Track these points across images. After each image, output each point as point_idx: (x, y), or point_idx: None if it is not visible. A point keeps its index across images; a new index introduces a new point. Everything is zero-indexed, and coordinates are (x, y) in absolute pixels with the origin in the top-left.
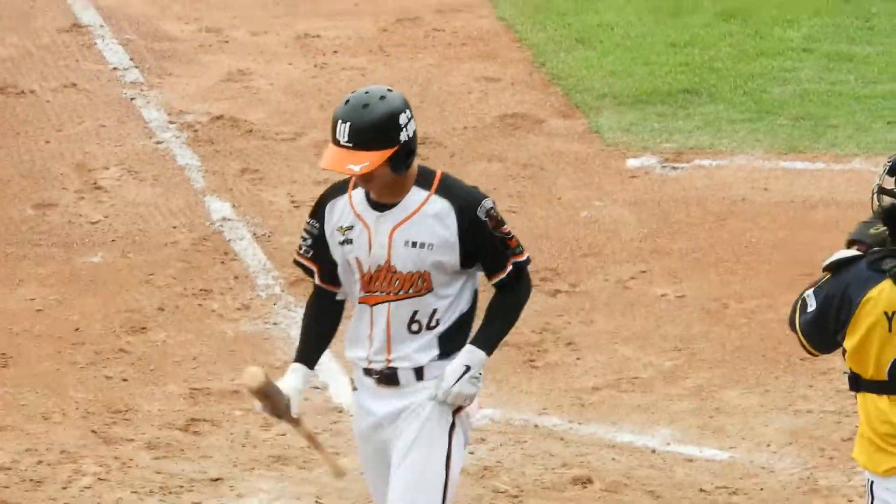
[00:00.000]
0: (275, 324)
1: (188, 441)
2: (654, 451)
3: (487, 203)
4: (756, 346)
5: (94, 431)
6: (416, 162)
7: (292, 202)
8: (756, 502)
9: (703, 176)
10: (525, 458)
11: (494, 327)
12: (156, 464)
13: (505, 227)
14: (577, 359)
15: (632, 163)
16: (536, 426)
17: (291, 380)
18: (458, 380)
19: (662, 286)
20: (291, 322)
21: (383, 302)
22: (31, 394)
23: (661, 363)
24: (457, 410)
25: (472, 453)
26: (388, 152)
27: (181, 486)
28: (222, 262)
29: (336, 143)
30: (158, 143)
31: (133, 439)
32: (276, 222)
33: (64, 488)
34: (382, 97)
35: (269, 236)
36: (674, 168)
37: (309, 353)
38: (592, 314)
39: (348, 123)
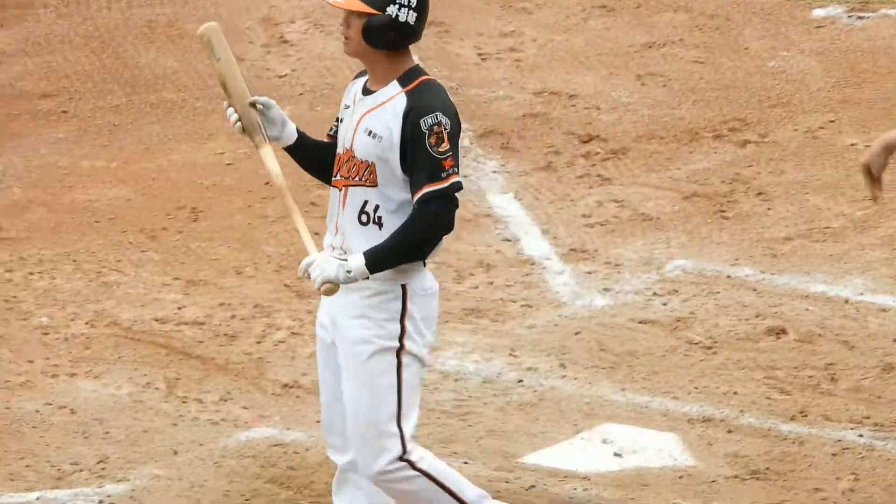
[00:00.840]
0: (464, 176)
1: None
2: (847, 301)
3: (438, 118)
4: None
5: (286, 285)
6: (428, 65)
7: (479, 55)
8: None
9: (889, 25)
10: (718, 309)
11: (388, 244)
12: None
13: (445, 146)
14: (768, 209)
15: (818, 13)
16: (729, 277)
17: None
18: (331, 260)
19: (851, 136)
20: (481, 175)
21: (342, 186)
22: (222, 248)
23: (852, 213)
24: (400, 350)
25: (664, 304)
26: (365, 8)
27: None
28: None
29: None
30: None
31: None
32: (463, 75)
33: (258, 342)
34: None
35: (456, 89)
36: (860, 18)
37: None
38: (782, 164)
39: None
